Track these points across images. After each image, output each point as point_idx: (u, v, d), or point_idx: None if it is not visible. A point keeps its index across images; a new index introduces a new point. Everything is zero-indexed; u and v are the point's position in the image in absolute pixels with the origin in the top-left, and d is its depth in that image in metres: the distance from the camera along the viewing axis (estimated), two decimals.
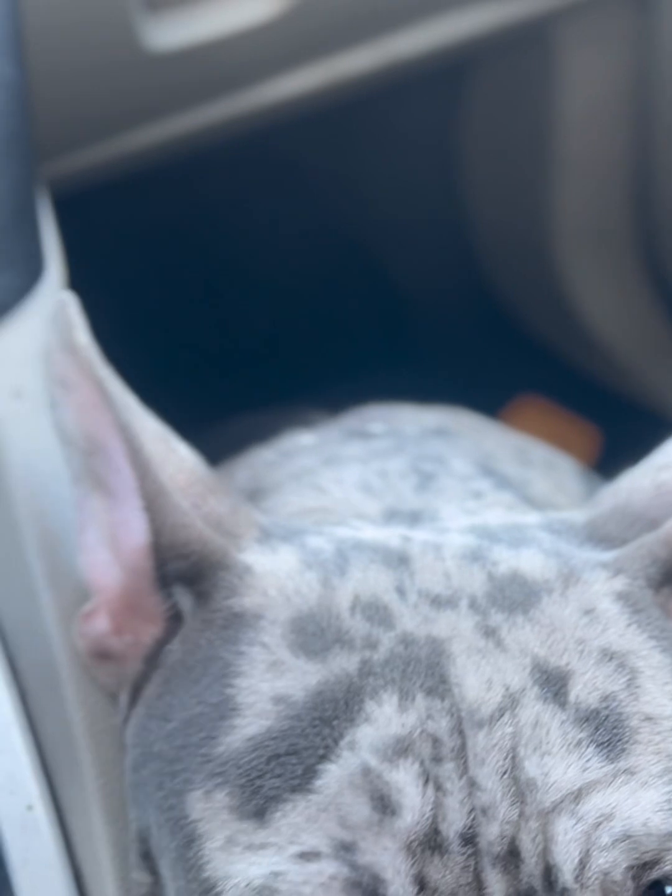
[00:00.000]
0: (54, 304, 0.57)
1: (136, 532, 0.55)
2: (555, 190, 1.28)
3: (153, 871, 0.51)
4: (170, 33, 0.87)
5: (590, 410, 1.40)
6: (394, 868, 0.45)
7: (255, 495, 0.66)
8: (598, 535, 0.56)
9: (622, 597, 0.53)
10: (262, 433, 0.79)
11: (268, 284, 1.40)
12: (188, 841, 0.48)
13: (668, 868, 0.47)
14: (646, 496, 0.58)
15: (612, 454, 1.34)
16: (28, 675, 0.58)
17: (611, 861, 0.45)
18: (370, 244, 1.44)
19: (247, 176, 1.32)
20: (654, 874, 0.46)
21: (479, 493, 0.64)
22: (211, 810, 0.48)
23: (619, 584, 0.53)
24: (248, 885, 0.45)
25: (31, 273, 0.65)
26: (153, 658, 0.54)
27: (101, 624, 0.56)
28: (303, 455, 0.69)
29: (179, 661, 0.52)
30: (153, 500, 0.53)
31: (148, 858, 0.51)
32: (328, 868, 0.45)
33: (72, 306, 0.56)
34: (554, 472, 0.79)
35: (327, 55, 1.00)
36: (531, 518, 0.59)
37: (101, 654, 0.56)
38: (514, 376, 1.42)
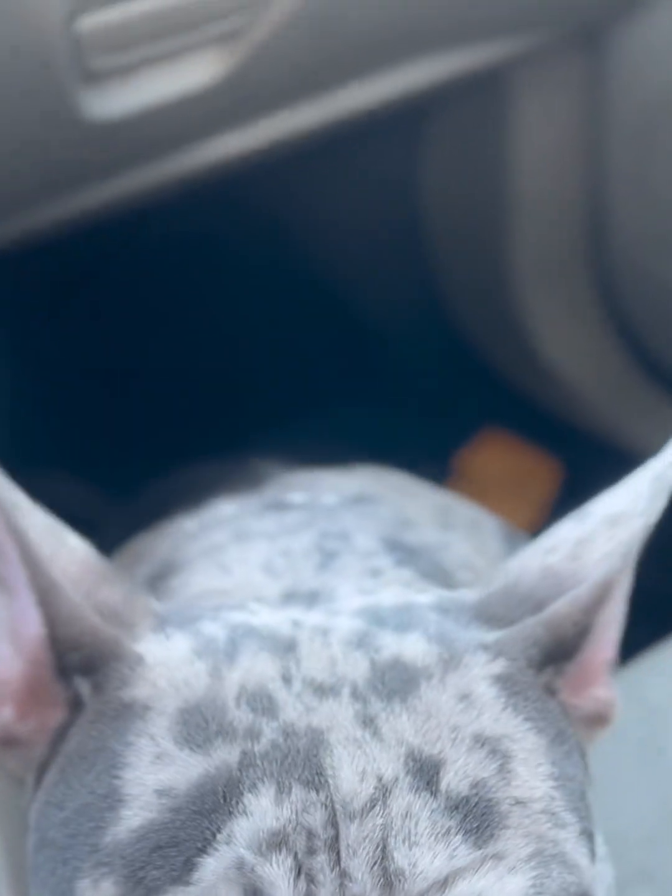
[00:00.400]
0: None
1: (33, 623, 0.56)
2: (513, 228, 1.30)
3: None
4: (109, 102, 0.89)
5: (551, 444, 1.41)
6: None
7: (169, 569, 0.68)
8: (486, 615, 0.58)
9: (500, 680, 0.54)
10: (196, 492, 0.81)
11: (232, 322, 1.43)
12: None
13: None
14: (533, 578, 0.59)
15: (573, 487, 1.36)
16: None
17: None
18: (334, 281, 1.46)
19: (209, 217, 1.34)
20: None
21: (378, 571, 0.66)
22: None
23: (499, 667, 0.55)
24: None
25: None
26: (57, 743, 0.56)
27: (6, 713, 0.58)
28: (217, 529, 0.71)
29: (75, 749, 0.54)
30: (45, 595, 0.55)
31: None
32: None
33: None
34: (476, 534, 0.80)
35: (273, 112, 1.01)
36: (424, 597, 0.61)
37: (8, 741, 0.58)
38: (477, 410, 1.44)
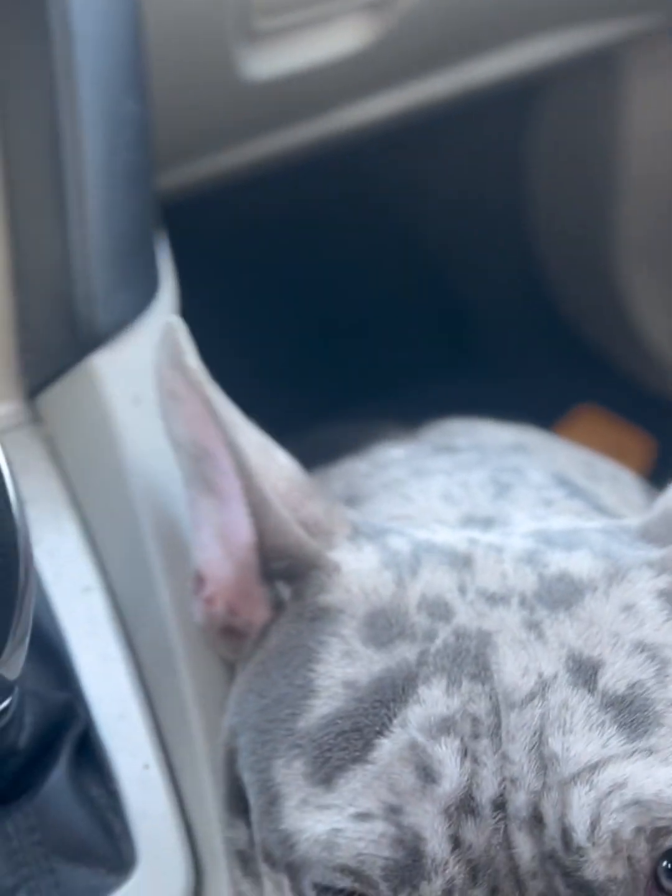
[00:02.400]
0: (163, 327, 0.62)
1: (244, 532, 0.62)
2: (619, 209, 1.32)
3: (246, 825, 0.59)
4: (267, 62, 0.93)
5: (646, 421, 1.43)
6: (432, 828, 0.51)
7: (350, 503, 0.72)
8: (650, 536, 0.62)
9: (664, 594, 0.58)
10: (351, 445, 0.85)
11: (333, 292, 1.45)
12: (272, 800, 0.56)
13: None
14: None
15: (668, 463, 1.39)
16: (145, 651, 0.64)
17: (619, 822, 0.51)
18: (438, 256, 1.48)
19: (327, 187, 1.37)
20: (671, 843, 0.52)
21: (551, 502, 0.70)
22: (290, 775, 0.55)
23: (663, 582, 0.59)
24: (315, 839, 0.53)
25: (148, 292, 0.71)
26: (260, 639, 0.61)
27: (219, 609, 0.63)
28: (394, 467, 0.76)
29: (275, 646, 0.59)
30: (257, 509, 0.60)
31: (242, 815, 0.59)
32: (378, 827, 0.52)
33: (180, 330, 0.62)
34: (618, 486, 0.84)
35: (409, 81, 1.05)
36: (592, 523, 0.65)
37: (226, 630, 0.64)
38: (573, 386, 1.46)
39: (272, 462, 0.63)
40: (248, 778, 0.58)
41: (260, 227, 1.36)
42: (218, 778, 0.61)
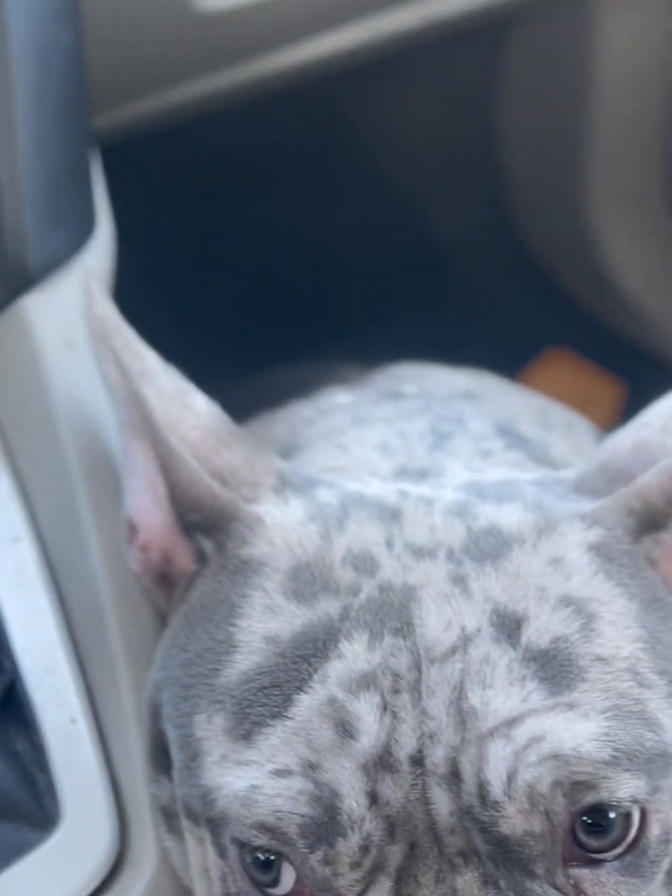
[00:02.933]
0: (81, 272, 0.61)
1: (161, 483, 0.60)
2: (591, 147, 1.30)
3: (170, 781, 0.58)
4: None
5: (617, 365, 1.42)
6: (349, 785, 0.51)
7: (290, 450, 0.71)
8: (584, 489, 0.61)
9: (594, 547, 0.57)
10: (301, 387, 0.84)
11: (304, 231, 1.43)
12: (193, 755, 0.55)
13: (604, 795, 0.51)
14: (626, 453, 0.61)
15: (637, 408, 1.38)
16: (74, 603, 0.62)
17: (536, 776, 0.50)
18: (407, 195, 1.46)
19: (288, 124, 1.35)
20: (589, 798, 0.51)
21: (489, 452, 0.69)
22: (211, 731, 0.54)
23: (594, 535, 0.57)
24: (234, 795, 0.53)
25: (83, 229, 0.69)
26: (185, 591, 0.60)
27: (154, 555, 0.62)
28: (337, 414, 0.74)
29: (199, 599, 0.58)
30: (165, 461, 0.59)
31: (166, 771, 0.58)
32: (296, 784, 0.51)
33: (92, 277, 0.61)
34: (572, 434, 0.83)
35: (370, 14, 1.02)
36: (528, 475, 0.63)
37: (161, 579, 0.62)
38: (544, 329, 1.44)
39: (186, 411, 0.61)
40: (171, 733, 0.57)
41: (222, 164, 1.34)
42: (143, 733, 0.60)
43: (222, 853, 0.54)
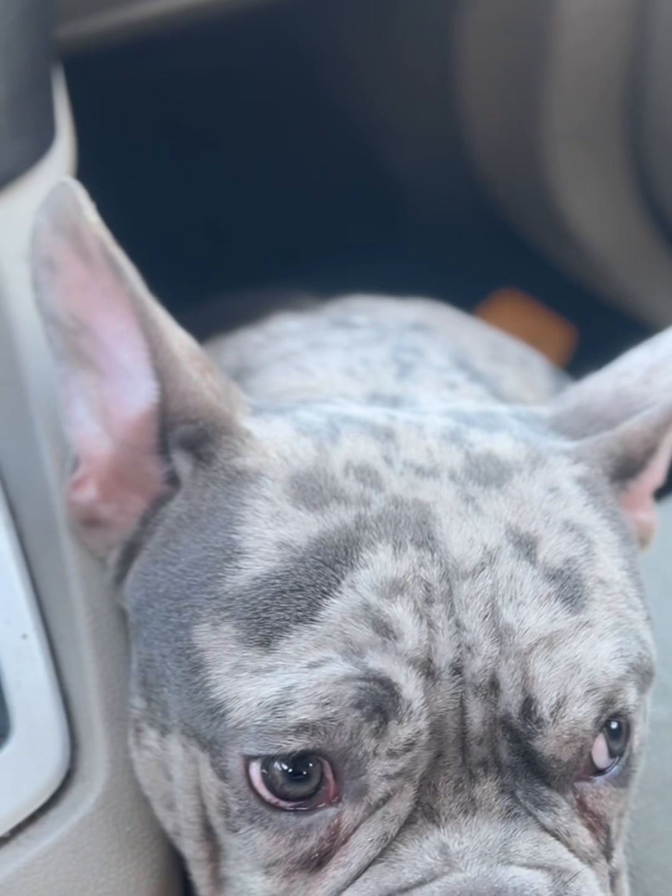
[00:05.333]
0: (51, 187, 0.58)
1: (129, 406, 0.59)
2: (549, 88, 1.29)
3: (148, 698, 0.57)
4: None
5: (567, 308, 1.43)
6: (404, 675, 0.51)
7: (241, 374, 0.70)
8: (561, 429, 0.62)
9: (581, 480, 0.59)
10: (250, 315, 0.83)
11: (262, 164, 1.42)
12: (194, 668, 0.54)
13: (619, 707, 0.54)
14: (606, 399, 0.63)
15: (586, 352, 1.38)
16: (26, 517, 0.61)
17: (584, 712, 0.52)
18: (365, 132, 1.45)
19: (246, 52, 1.33)
20: (608, 713, 0.53)
21: (454, 384, 0.69)
22: (217, 640, 0.53)
23: (579, 470, 0.59)
24: (260, 704, 0.51)
25: (44, 140, 0.67)
26: (149, 518, 0.59)
27: (89, 493, 0.61)
28: (289, 338, 0.73)
29: (184, 513, 0.57)
30: (164, 370, 0.57)
31: (145, 686, 0.57)
32: (340, 669, 0.50)
33: (76, 188, 0.58)
34: (525, 369, 0.83)
35: None
36: (502, 408, 0.64)
37: (91, 521, 0.61)
38: (497, 270, 1.44)
39: (174, 329, 0.60)
40: (160, 649, 0.56)
41: (180, 86, 1.32)
42: (98, 651, 0.59)
43: (222, 775, 0.53)
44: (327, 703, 0.50)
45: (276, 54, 1.36)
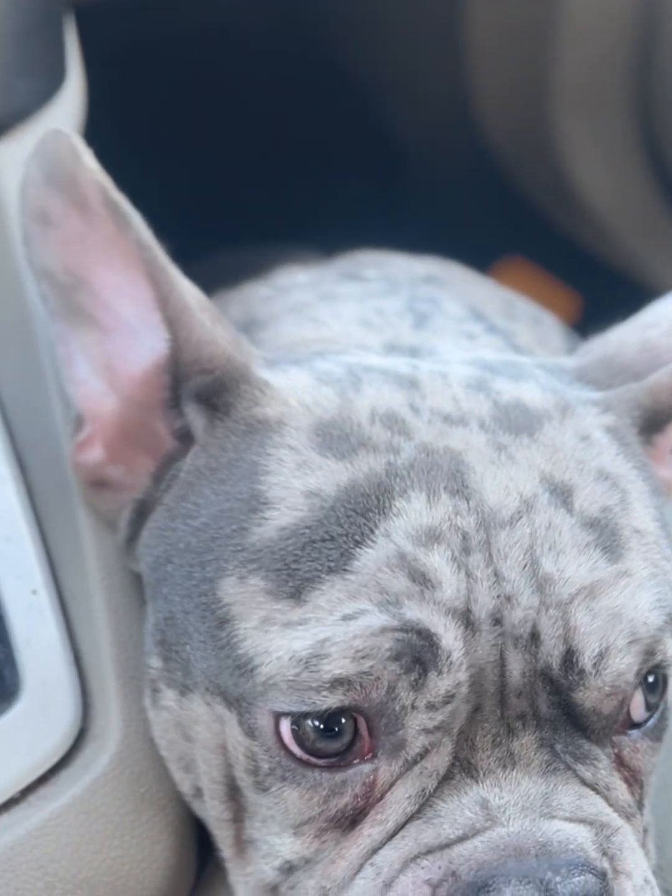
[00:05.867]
0: (43, 136, 0.56)
1: (134, 362, 0.57)
2: (557, 51, 1.28)
3: (167, 657, 0.55)
4: None
5: (572, 275, 1.41)
6: (443, 625, 0.49)
7: (249, 327, 0.68)
8: (587, 379, 0.61)
9: (611, 430, 0.57)
10: (255, 270, 0.81)
11: (265, 125, 1.40)
12: (220, 623, 0.52)
13: (659, 658, 0.52)
14: (632, 350, 0.62)
15: (591, 319, 1.37)
16: (37, 472, 0.60)
17: (627, 664, 0.51)
18: (372, 94, 1.43)
19: (252, 11, 1.31)
20: (648, 665, 0.52)
21: (473, 335, 0.68)
22: (245, 594, 0.51)
23: (608, 419, 0.58)
24: (291, 657, 0.49)
25: (53, 81, 0.65)
26: (161, 476, 0.57)
27: (95, 453, 0.59)
28: (298, 291, 0.72)
29: (203, 465, 0.55)
30: (178, 318, 0.55)
31: (163, 645, 0.55)
32: (376, 621, 0.49)
33: (72, 136, 0.56)
34: (539, 327, 0.82)
35: None
36: (525, 358, 0.63)
37: (98, 483, 0.59)
38: (502, 236, 1.43)
39: (184, 279, 0.58)
40: (182, 605, 0.54)
41: (183, 46, 1.30)
42: (111, 608, 0.57)
43: (251, 733, 0.51)
44: (364, 657, 0.48)
45: (283, 13, 1.34)
